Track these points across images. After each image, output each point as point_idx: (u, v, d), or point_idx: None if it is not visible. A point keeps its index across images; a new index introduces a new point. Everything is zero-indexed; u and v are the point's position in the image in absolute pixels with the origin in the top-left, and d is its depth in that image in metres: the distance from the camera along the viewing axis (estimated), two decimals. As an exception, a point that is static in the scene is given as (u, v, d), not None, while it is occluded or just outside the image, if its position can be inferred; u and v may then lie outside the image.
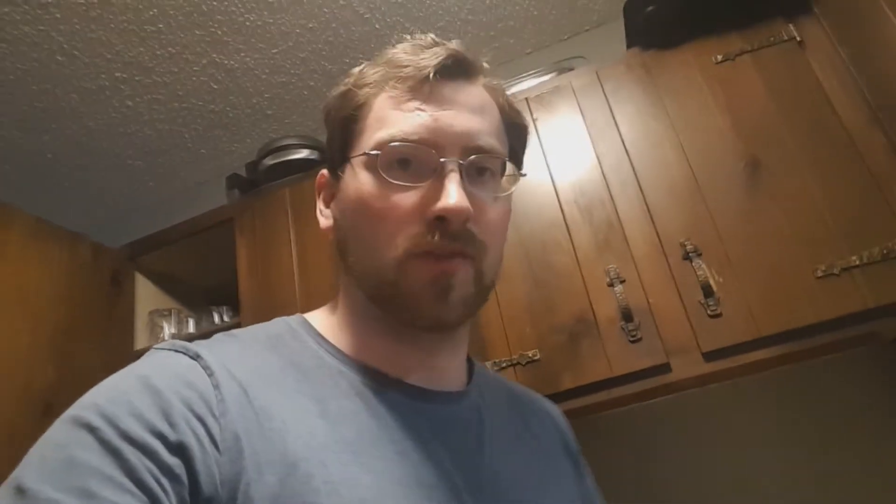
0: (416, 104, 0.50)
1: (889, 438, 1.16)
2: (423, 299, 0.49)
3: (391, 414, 0.50)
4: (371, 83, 0.53)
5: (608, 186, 1.16)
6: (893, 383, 1.19)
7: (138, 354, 1.40)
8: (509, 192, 0.55)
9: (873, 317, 0.94)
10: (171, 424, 0.40)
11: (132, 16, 1.43)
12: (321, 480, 0.42)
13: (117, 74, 1.58)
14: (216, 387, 0.44)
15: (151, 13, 1.44)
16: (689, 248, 1.05)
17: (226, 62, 1.62)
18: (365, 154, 0.51)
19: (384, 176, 0.49)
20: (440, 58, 0.51)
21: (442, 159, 0.49)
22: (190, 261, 1.63)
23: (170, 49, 1.54)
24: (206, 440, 0.41)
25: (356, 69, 0.56)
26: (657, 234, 1.09)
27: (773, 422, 1.24)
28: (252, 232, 1.45)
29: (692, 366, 1.01)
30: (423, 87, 0.51)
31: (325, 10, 1.53)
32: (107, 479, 0.37)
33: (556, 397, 1.04)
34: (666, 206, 1.10)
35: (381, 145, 0.50)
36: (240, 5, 1.47)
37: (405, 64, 0.51)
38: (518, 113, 0.59)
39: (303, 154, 1.58)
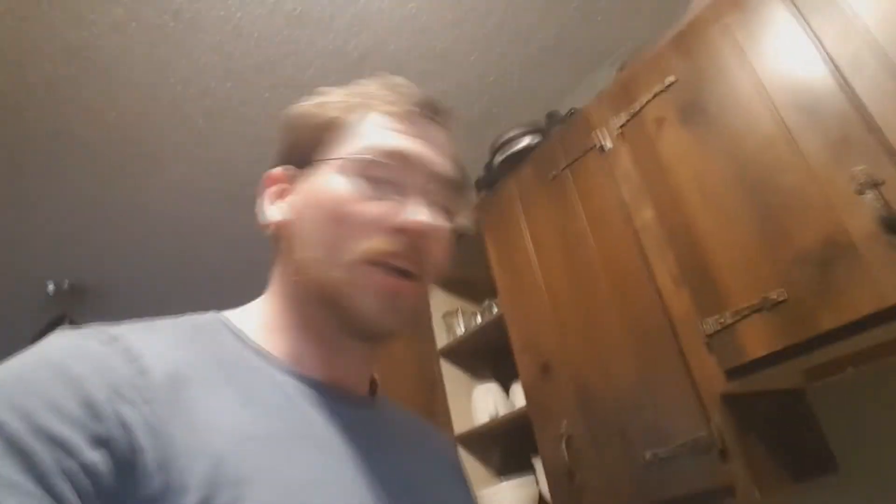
0: (401, 128, 0.54)
1: None
2: (369, 308, 0.50)
3: (313, 411, 0.50)
4: (354, 103, 0.56)
5: (835, 67, 0.90)
6: None
7: (441, 353, 1.69)
8: (460, 225, 0.57)
9: None
10: (95, 415, 0.38)
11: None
12: (250, 468, 0.42)
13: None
14: (141, 373, 0.42)
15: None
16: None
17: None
18: (344, 159, 0.53)
19: (359, 182, 0.51)
20: (426, 96, 0.56)
21: (415, 182, 0.52)
22: (460, 263, 1.84)
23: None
24: (133, 429, 0.39)
25: (332, 89, 0.59)
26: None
27: None
28: (495, 227, 1.56)
29: None
30: (408, 116, 0.54)
31: None
32: (11, 486, 0.34)
33: (816, 342, 0.88)
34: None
35: (366, 151, 0.52)
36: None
37: (391, 91, 0.55)
38: (464, 169, 0.61)
39: (526, 141, 1.64)
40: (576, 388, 1.23)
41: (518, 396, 1.50)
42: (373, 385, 0.63)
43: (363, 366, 0.59)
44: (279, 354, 0.53)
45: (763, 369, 0.94)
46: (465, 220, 0.59)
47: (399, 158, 0.52)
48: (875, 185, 0.83)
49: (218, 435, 0.42)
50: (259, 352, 0.52)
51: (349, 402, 0.55)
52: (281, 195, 0.56)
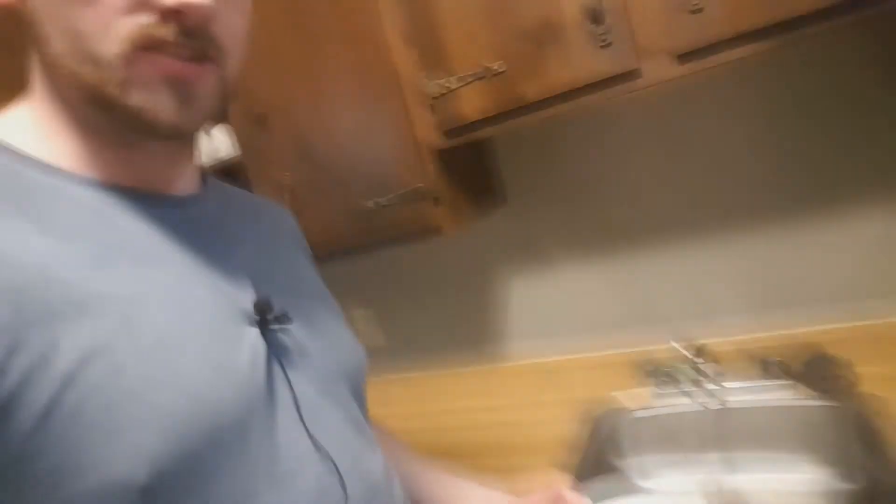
0: None
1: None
2: (157, 105, 0.42)
3: (125, 223, 0.44)
4: None
5: None
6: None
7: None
8: None
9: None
10: None
11: None
12: (63, 301, 0.37)
13: None
14: None
15: None
16: (676, -78, 0.86)
17: None
18: None
19: None
20: None
21: None
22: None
23: None
24: None
25: None
26: None
27: (749, 115, 1.19)
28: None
29: (664, 69, 0.93)
30: None
31: None
32: None
33: (521, 111, 1.02)
34: None
35: None
36: None
37: None
38: None
39: None
40: (296, 139, 1.22)
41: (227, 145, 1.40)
42: (203, 177, 0.57)
43: (174, 164, 0.51)
44: (67, 165, 0.44)
45: (475, 131, 1.08)
46: None
47: None
48: (593, -25, 0.92)
49: (15, 271, 0.36)
50: (44, 167, 0.43)
51: (168, 204, 0.49)
52: None
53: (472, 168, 1.31)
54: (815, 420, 1.13)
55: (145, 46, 0.40)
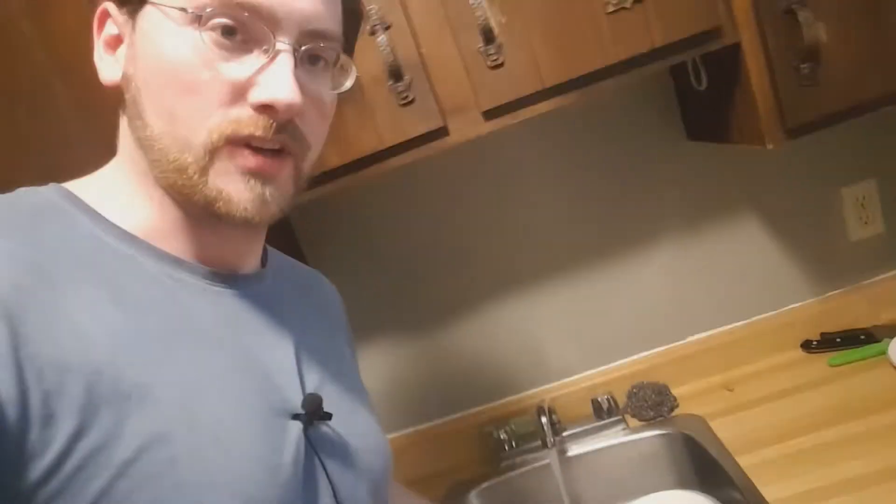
0: None
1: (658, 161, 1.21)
2: (232, 195, 0.43)
3: (195, 301, 0.46)
4: None
5: None
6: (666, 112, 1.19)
7: None
8: (343, 87, 0.50)
9: (660, 56, 0.84)
10: None
11: None
12: (131, 383, 0.37)
13: None
14: None
15: None
16: (466, -24, 0.81)
17: None
18: (183, 9, 0.41)
19: (205, 39, 0.41)
20: None
21: (277, 39, 0.42)
22: None
23: None
24: None
25: None
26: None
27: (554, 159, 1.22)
28: None
29: (471, 126, 0.88)
30: None
31: None
32: None
33: (325, 177, 0.89)
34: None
35: (208, 3, 0.41)
36: None
37: None
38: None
39: None
40: None
41: None
42: (264, 255, 0.58)
43: (244, 244, 0.53)
44: (144, 235, 0.45)
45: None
46: (348, 76, 0.50)
47: (256, 7, 0.41)
48: (385, 27, 0.83)
49: (89, 345, 0.36)
50: (123, 234, 0.44)
51: (234, 284, 0.50)
52: (113, 44, 0.46)
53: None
54: (649, 450, 1.17)
55: (233, 141, 0.42)
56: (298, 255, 1.24)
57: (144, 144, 0.45)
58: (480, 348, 1.29)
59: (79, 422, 0.34)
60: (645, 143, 1.21)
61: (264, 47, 0.42)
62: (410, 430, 1.32)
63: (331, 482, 0.50)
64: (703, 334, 1.28)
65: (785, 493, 0.89)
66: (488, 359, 1.29)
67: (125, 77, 0.45)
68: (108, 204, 0.45)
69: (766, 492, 0.91)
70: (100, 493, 0.34)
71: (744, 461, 0.99)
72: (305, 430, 0.48)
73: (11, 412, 0.32)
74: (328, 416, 0.51)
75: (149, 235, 0.46)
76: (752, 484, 0.93)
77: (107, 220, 0.44)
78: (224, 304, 0.48)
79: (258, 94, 0.42)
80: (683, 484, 1.14)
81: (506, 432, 1.21)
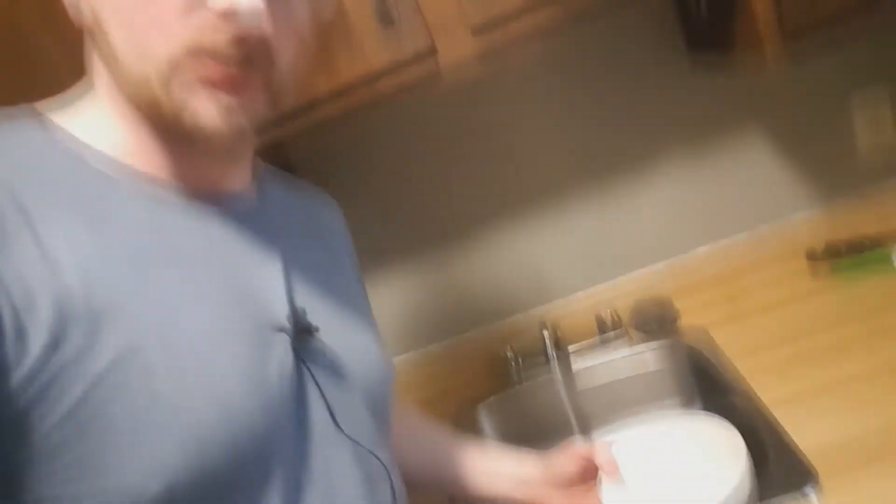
0: None
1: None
2: (198, 109, 0.41)
3: (172, 218, 0.45)
4: None
5: None
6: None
7: None
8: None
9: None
10: None
11: None
12: (104, 301, 0.37)
13: None
14: None
15: None
16: None
17: None
18: None
19: None
20: None
21: None
22: None
23: None
24: None
25: None
26: None
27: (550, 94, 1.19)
28: None
29: (460, 43, 0.86)
30: None
31: None
32: None
33: (315, 104, 0.89)
34: None
35: None
36: None
37: None
38: None
39: None
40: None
41: None
42: (255, 170, 0.57)
43: (227, 162, 0.51)
44: (121, 155, 0.45)
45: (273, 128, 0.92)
46: None
47: None
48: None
49: (58, 269, 0.37)
50: (100, 157, 0.44)
51: (219, 202, 0.49)
52: None
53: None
54: (652, 362, 1.20)
55: (195, 51, 0.40)
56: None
57: (107, 59, 0.43)
58: (485, 270, 1.31)
59: (51, 337, 0.35)
60: (645, 58, 1.17)
61: None
62: (420, 350, 1.36)
63: (324, 396, 0.50)
64: (707, 247, 1.28)
65: (782, 392, 0.91)
66: (494, 280, 1.32)
67: (86, 8, 0.43)
68: (82, 124, 0.45)
69: (765, 395, 0.93)
70: (76, 403, 0.35)
71: (743, 366, 1.01)
72: (295, 344, 0.48)
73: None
74: (316, 330, 0.51)
75: (126, 156, 0.45)
76: (751, 388, 0.96)
77: (81, 140, 0.44)
78: (206, 223, 0.47)
79: (216, 2, 0.39)
80: (684, 393, 1.17)
81: (512, 350, 1.25)
